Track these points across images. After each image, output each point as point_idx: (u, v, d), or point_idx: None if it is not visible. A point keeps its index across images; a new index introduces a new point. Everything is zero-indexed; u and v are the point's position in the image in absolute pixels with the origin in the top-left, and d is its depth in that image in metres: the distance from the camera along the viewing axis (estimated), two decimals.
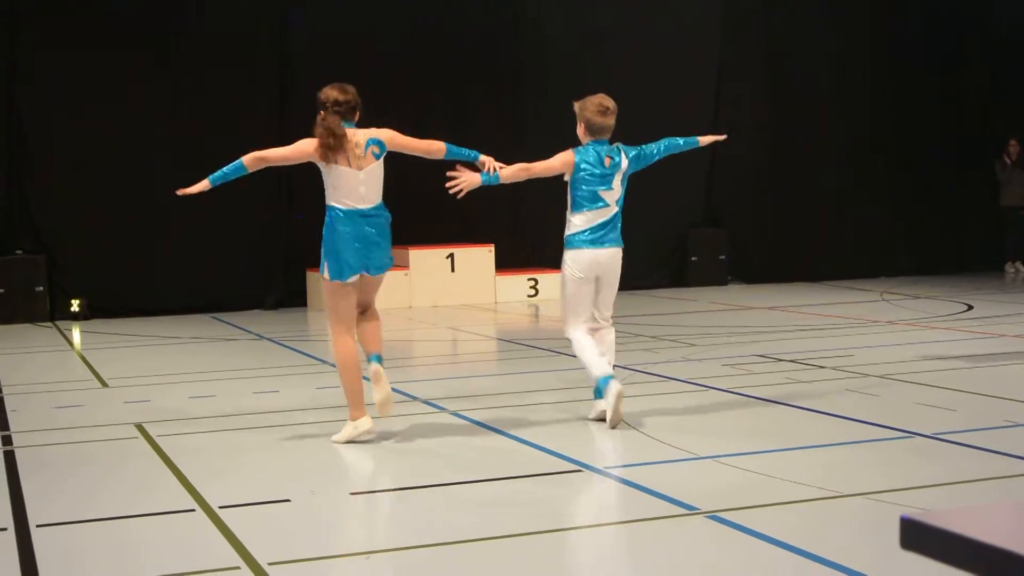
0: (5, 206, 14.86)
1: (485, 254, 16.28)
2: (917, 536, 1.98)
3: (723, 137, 7.98)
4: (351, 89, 7.22)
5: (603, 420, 7.43)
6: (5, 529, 5.40)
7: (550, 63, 17.04)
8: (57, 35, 14.86)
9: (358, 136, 7.15)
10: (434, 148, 7.48)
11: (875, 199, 19.18)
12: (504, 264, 16.20)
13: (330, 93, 7.16)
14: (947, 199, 19.45)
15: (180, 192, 7.33)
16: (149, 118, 15.11)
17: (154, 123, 15.11)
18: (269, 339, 12.21)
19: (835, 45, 18.97)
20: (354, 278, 7.13)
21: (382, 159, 7.24)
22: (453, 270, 16.05)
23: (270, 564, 4.77)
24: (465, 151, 7.51)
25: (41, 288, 14.83)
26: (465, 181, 7.38)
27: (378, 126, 7.30)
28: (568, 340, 7.68)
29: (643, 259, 17.98)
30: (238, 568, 4.74)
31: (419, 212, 15.94)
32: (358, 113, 7.26)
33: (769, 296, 16.28)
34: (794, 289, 17.34)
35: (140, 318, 14.99)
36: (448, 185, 7.41)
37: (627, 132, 16.85)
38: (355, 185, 7.09)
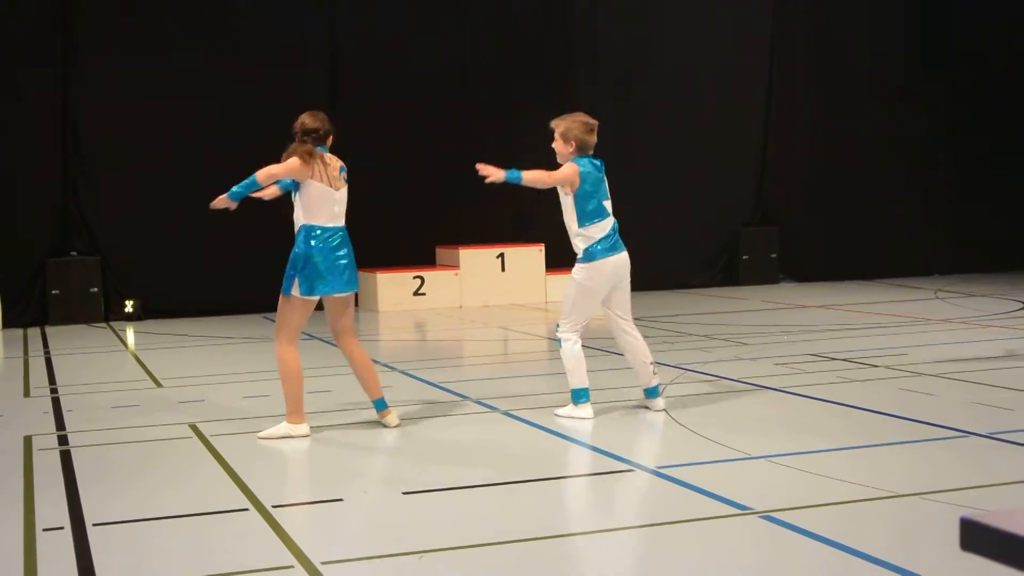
0: (60, 209, 15.03)
1: (535, 253, 16.27)
2: (977, 537, 1.96)
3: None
4: (322, 117, 7.58)
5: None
6: (62, 528, 5.46)
7: (600, 58, 17.03)
8: (111, 38, 15.01)
9: (334, 160, 7.53)
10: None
11: (928, 196, 19.01)
12: (554, 263, 16.17)
13: (304, 121, 7.54)
14: (1001, 196, 19.23)
15: (212, 206, 7.47)
16: (201, 120, 15.24)
17: (206, 125, 15.23)
18: (320, 339, 12.25)
19: (887, 40, 18.82)
20: (322, 296, 7.47)
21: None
22: (503, 270, 16.05)
23: (323, 563, 4.79)
24: None
25: (95, 289, 15.00)
26: (493, 174, 7.52)
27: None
28: (560, 340, 7.84)
29: (694, 258, 17.96)
30: (292, 567, 4.77)
31: (469, 212, 16.00)
32: (331, 138, 7.59)
33: (821, 294, 16.16)
34: (846, 287, 17.21)
35: (193, 318, 15.13)
36: (478, 168, 7.55)
37: (675, 124, 16.97)
38: (331, 203, 7.44)
